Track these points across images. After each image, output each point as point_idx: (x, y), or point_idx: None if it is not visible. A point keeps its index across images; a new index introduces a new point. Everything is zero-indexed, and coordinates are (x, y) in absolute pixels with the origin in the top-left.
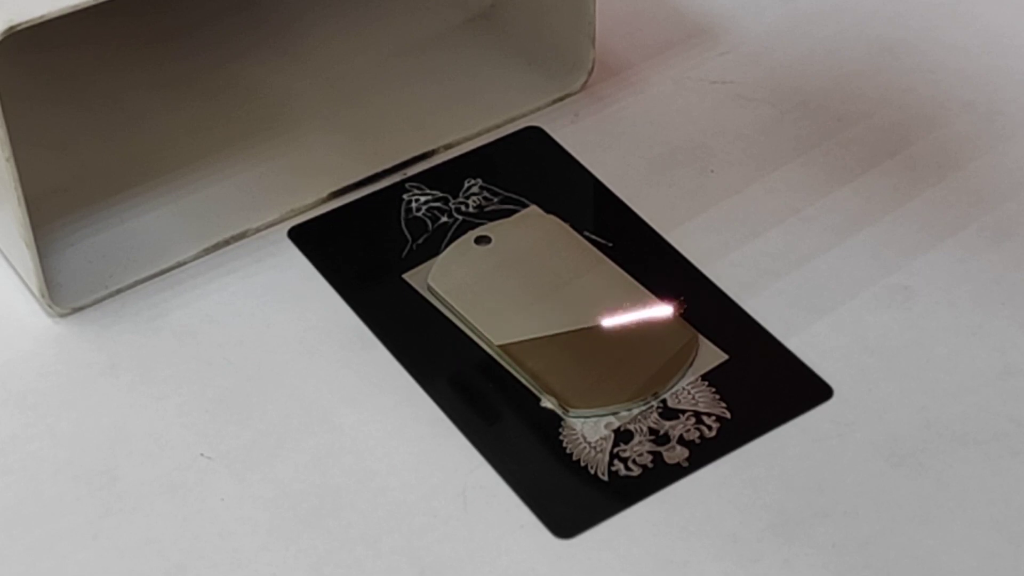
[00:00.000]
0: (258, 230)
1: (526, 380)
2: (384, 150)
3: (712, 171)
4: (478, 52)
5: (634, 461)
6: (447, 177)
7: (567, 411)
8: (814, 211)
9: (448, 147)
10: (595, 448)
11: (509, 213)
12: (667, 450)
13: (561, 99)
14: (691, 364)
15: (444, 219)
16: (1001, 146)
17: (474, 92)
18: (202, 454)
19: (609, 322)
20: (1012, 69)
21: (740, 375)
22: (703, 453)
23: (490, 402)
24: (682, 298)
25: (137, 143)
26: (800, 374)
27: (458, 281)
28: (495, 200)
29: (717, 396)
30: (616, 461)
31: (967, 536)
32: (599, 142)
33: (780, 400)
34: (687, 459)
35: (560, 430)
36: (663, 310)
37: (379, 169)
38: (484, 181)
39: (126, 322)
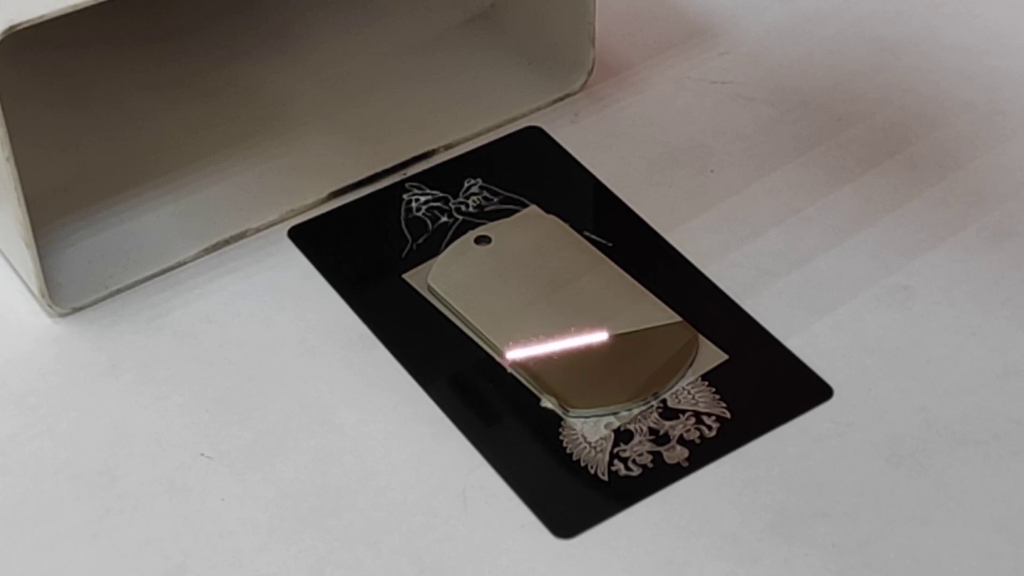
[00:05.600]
0: (258, 230)
1: (526, 380)
2: (384, 150)
3: (712, 171)
4: (478, 52)
5: (634, 461)
6: (447, 177)
7: (567, 411)
8: (814, 211)
9: (448, 147)
10: (595, 448)
11: (509, 213)
12: (667, 450)
13: (561, 99)
14: (691, 364)
15: (444, 219)
16: (1001, 146)
17: (474, 92)
18: (202, 454)
19: (609, 322)
20: (1012, 69)
21: (740, 375)
22: (703, 453)
23: (490, 402)
24: (690, 309)
25: (137, 143)
26: (800, 374)
27: (458, 281)
28: (495, 200)
29: (717, 396)
30: (616, 461)
31: (967, 536)
32: (599, 142)
33: (780, 400)
34: (687, 459)
35: (560, 430)
36: (663, 310)
37: (379, 169)
38: (484, 181)
39: (126, 322)
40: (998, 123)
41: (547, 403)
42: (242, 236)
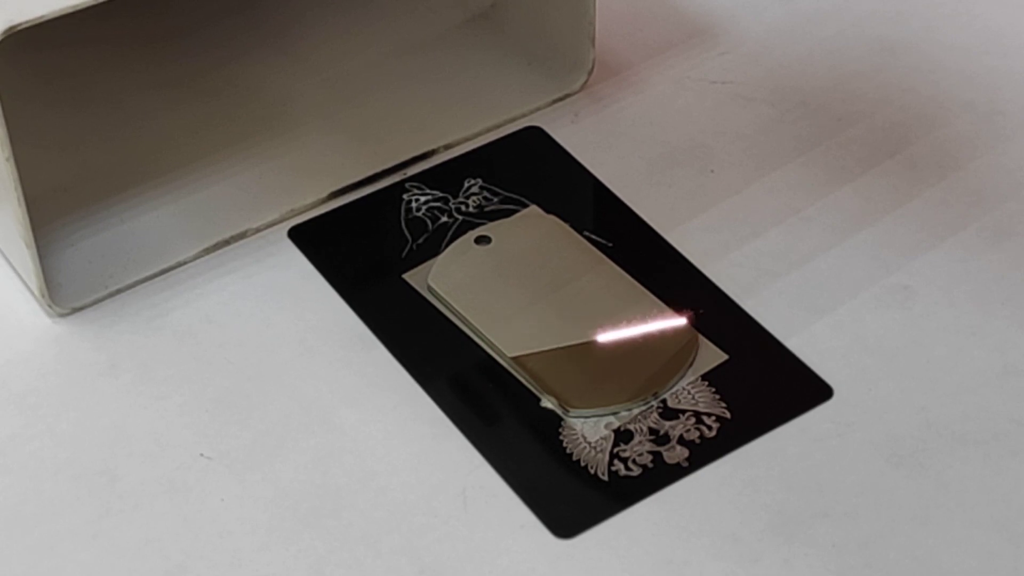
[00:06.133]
0: (258, 230)
1: (526, 380)
2: (384, 150)
3: (712, 171)
4: (478, 52)
5: (634, 461)
6: (447, 177)
7: (567, 411)
8: (814, 211)
9: (448, 147)
10: (595, 448)
11: (509, 213)
12: (667, 450)
13: (561, 99)
14: (691, 364)
15: (444, 219)
16: (1001, 146)
17: (474, 92)
18: (202, 454)
19: (609, 322)
20: (1012, 69)
21: (740, 375)
22: (703, 453)
23: (490, 402)
24: (690, 309)
25: (137, 143)
26: (800, 374)
27: (458, 281)
28: (495, 200)
29: (717, 396)
30: (616, 461)
31: (967, 536)
32: (599, 142)
33: (780, 400)
34: (687, 459)
35: (560, 430)
36: (663, 310)
37: (379, 169)
38: (484, 181)
39: (126, 322)
40: (998, 123)
41: (547, 403)
42: (242, 236)
